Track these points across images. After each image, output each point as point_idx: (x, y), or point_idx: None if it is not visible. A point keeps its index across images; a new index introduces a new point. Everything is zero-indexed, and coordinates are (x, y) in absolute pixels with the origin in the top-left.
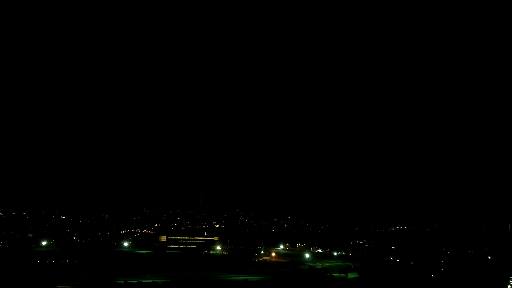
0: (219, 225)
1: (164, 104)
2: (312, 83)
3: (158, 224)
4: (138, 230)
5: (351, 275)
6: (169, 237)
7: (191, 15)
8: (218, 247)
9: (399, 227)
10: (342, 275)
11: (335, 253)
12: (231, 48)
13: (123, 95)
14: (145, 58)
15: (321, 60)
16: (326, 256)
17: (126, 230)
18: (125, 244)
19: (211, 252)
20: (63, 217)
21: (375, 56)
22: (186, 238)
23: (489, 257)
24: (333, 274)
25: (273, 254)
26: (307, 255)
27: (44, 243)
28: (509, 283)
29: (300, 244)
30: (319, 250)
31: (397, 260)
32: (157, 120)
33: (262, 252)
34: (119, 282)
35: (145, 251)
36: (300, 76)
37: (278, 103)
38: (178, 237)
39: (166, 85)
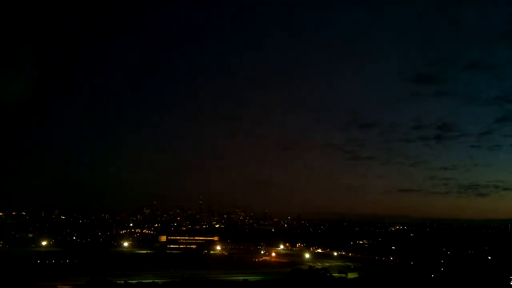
0: (219, 225)
1: (164, 104)
2: None
3: (158, 224)
4: (138, 230)
5: (351, 275)
6: (169, 237)
7: None
8: (218, 247)
9: (399, 227)
10: (342, 275)
11: (335, 253)
12: None
13: (124, 96)
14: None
15: None
16: (326, 256)
17: (126, 230)
18: (125, 244)
19: (211, 252)
20: (63, 217)
21: None
22: (186, 238)
23: (489, 257)
24: (333, 274)
25: (273, 254)
26: (307, 255)
27: (44, 243)
28: (509, 283)
29: (300, 244)
30: (319, 250)
31: (397, 260)
32: (157, 120)
33: (262, 252)
34: (119, 282)
35: (145, 251)
36: None
37: None
38: (178, 237)
39: (167, 86)
